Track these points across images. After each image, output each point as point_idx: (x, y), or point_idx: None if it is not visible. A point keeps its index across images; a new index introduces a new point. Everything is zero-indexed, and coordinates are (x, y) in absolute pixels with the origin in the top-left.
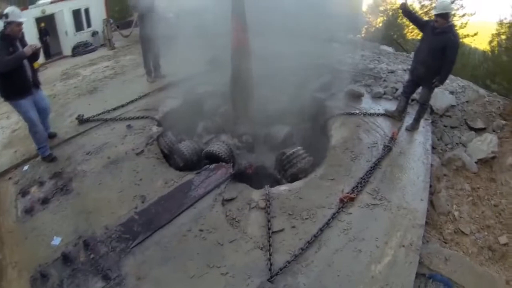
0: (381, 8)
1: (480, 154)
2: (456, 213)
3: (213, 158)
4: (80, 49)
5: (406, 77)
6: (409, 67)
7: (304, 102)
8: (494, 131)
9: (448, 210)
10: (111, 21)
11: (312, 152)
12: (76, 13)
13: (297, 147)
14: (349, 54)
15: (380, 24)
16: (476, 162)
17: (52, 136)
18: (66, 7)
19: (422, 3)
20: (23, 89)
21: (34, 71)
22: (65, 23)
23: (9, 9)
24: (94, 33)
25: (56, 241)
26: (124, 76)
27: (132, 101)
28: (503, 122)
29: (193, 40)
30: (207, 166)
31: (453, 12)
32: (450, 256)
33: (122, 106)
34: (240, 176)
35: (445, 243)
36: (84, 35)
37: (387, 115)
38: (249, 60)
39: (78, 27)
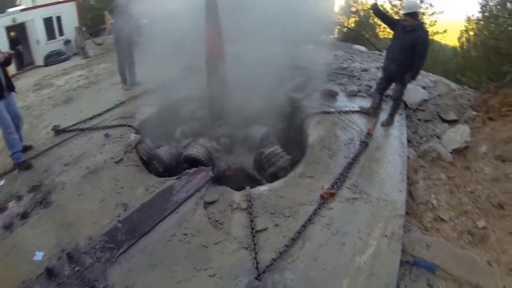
0: (353, 9)
1: (454, 144)
2: (434, 202)
3: (192, 162)
4: (52, 58)
5: (379, 74)
6: (382, 65)
7: (280, 103)
8: (466, 122)
9: (426, 200)
10: (84, 29)
11: (290, 151)
12: (47, 22)
13: (274, 146)
14: (322, 54)
15: (353, 25)
16: (451, 153)
17: (27, 149)
18: (37, 15)
19: (393, 3)
20: None
21: (7, 76)
22: (36, 31)
23: None
24: (67, 42)
25: (39, 256)
26: (99, 85)
27: (108, 110)
28: (474, 113)
29: (168, 47)
30: (187, 170)
31: (421, 11)
32: (431, 243)
33: (99, 115)
34: (220, 179)
35: (426, 230)
36: (57, 44)
37: (362, 112)
38: (223, 64)
39: (50, 35)
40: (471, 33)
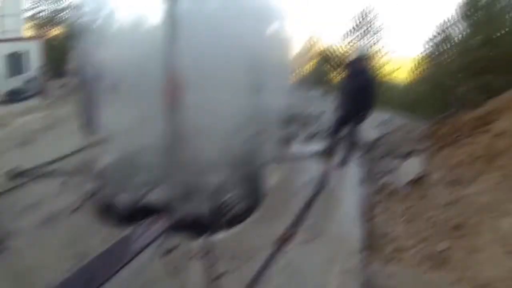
0: (309, 54)
1: (409, 176)
2: (393, 233)
3: (149, 210)
4: (13, 97)
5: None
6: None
7: (236, 150)
8: (419, 154)
9: (386, 232)
10: (48, 69)
11: (247, 197)
12: (11, 58)
13: (231, 193)
14: (278, 100)
15: (309, 70)
16: (406, 185)
17: None
18: (1, 50)
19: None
20: None
21: None
22: None
23: None
24: (29, 80)
25: None
26: (60, 129)
27: (68, 156)
28: (426, 144)
29: (129, 93)
30: (145, 219)
31: (371, 53)
32: (393, 273)
33: (57, 160)
34: (179, 227)
35: (388, 262)
36: (18, 82)
37: (318, 155)
38: (181, 112)
39: (12, 72)
40: (419, 70)
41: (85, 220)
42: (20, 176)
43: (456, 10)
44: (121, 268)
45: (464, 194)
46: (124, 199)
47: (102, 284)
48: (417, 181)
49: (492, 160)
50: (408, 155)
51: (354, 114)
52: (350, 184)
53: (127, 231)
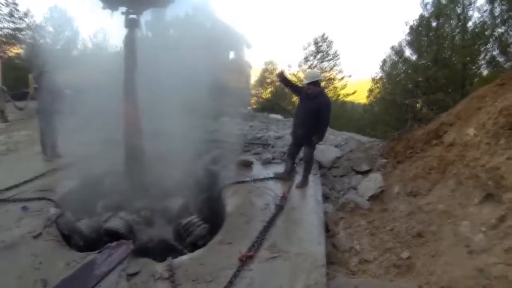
0: (268, 80)
1: (369, 192)
2: (357, 247)
3: (112, 235)
4: None
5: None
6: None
7: (197, 175)
8: (378, 170)
9: (350, 246)
10: (5, 89)
11: (209, 221)
12: None
13: (191, 216)
14: (238, 126)
15: (269, 95)
16: (368, 200)
17: None
18: None
19: (295, 74)
20: None
21: None
22: None
23: None
24: None
25: None
26: (18, 153)
27: (27, 181)
28: (384, 160)
29: (90, 119)
30: (108, 244)
31: (325, 77)
32: (358, 283)
33: (16, 186)
34: (142, 251)
35: (353, 274)
36: None
37: (277, 178)
38: (141, 137)
39: None
40: (376, 91)
41: (47, 245)
42: None
43: (407, 32)
44: None
45: (423, 204)
46: (86, 223)
47: None
48: (377, 196)
49: (445, 169)
50: (368, 172)
51: (308, 136)
52: (311, 203)
53: (91, 256)
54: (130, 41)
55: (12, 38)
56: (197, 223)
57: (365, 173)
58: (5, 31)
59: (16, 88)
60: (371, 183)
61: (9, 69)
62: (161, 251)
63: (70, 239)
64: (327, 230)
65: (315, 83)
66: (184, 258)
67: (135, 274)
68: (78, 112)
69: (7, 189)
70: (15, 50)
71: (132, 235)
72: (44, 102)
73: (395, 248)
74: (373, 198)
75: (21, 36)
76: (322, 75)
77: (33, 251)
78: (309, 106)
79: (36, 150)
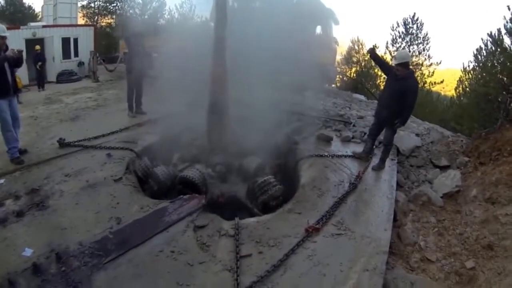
0: (354, 59)
1: (445, 189)
2: (422, 243)
3: (187, 184)
4: (64, 77)
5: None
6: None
7: (276, 141)
8: (458, 167)
9: (414, 241)
10: (97, 54)
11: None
12: (65, 41)
13: (268, 176)
14: (321, 102)
15: (354, 74)
16: (441, 197)
17: (22, 152)
18: (57, 34)
19: (393, 55)
20: (3, 91)
21: (14, 79)
22: (54, 49)
23: None
24: (80, 64)
25: (28, 252)
26: (106, 109)
27: (112, 132)
28: (466, 158)
29: (175, 82)
30: (181, 196)
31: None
32: (416, 281)
33: (103, 135)
34: (212, 205)
35: (412, 270)
36: (70, 64)
37: (355, 156)
38: (226, 93)
39: (66, 55)
40: (466, 83)
41: (125, 189)
42: (69, 146)
43: (509, 18)
44: (154, 235)
45: (500, 214)
46: (162, 170)
47: (134, 247)
48: (452, 195)
49: None
50: (446, 167)
51: (391, 119)
52: (382, 188)
53: (163, 204)
54: (220, 7)
55: (103, 10)
56: (273, 183)
57: (443, 168)
58: (98, 3)
59: (107, 52)
60: (448, 180)
61: (101, 36)
62: (230, 207)
63: (146, 183)
64: (394, 218)
65: (405, 65)
66: (251, 220)
67: (202, 227)
68: (164, 75)
69: (95, 137)
70: (107, 20)
71: (205, 187)
72: (133, 64)
73: (461, 255)
74: (447, 196)
75: (111, 7)
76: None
77: (112, 192)
78: (396, 88)
79: (122, 107)
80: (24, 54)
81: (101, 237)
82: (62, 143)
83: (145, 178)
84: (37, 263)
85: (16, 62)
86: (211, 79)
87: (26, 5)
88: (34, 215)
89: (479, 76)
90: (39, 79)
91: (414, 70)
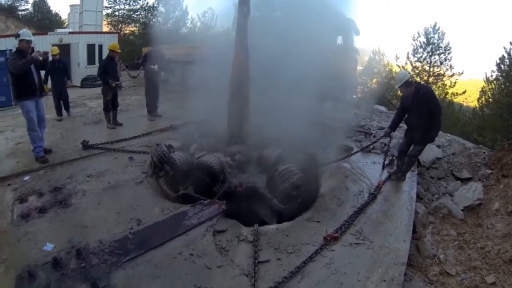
0: (375, 70)
1: (466, 202)
2: (441, 256)
3: (204, 170)
4: (89, 82)
5: (396, 134)
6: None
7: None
8: (480, 180)
9: (433, 254)
10: (121, 60)
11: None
12: (90, 48)
13: (287, 165)
14: (342, 112)
15: (375, 85)
16: (462, 210)
17: (46, 151)
18: (82, 40)
19: (414, 65)
20: (29, 91)
21: (41, 80)
22: (79, 55)
23: (21, 31)
24: None
25: (49, 247)
26: (129, 114)
27: (135, 137)
28: (489, 171)
29: (198, 90)
30: (202, 201)
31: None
32: None
33: (125, 139)
34: (230, 194)
35: (430, 283)
36: (95, 70)
37: (391, 178)
38: (247, 87)
39: (90, 61)
40: (489, 93)
41: (147, 192)
42: (92, 148)
43: None
44: (173, 237)
45: None
46: (179, 155)
47: (153, 248)
48: (474, 208)
49: None
50: (468, 179)
51: (424, 135)
52: (404, 199)
53: (184, 208)
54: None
55: (127, 18)
56: (294, 171)
57: (464, 180)
58: (122, 12)
59: (130, 59)
60: (470, 192)
61: (125, 43)
62: (248, 198)
63: (161, 169)
64: (414, 230)
65: (407, 84)
66: (270, 226)
67: (221, 232)
68: (185, 82)
69: (118, 141)
70: (130, 28)
71: (223, 175)
72: (151, 72)
73: (482, 269)
74: (468, 209)
75: (135, 16)
76: (431, 69)
77: (133, 194)
78: (417, 103)
79: (143, 112)
80: (49, 56)
81: (121, 237)
82: (86, 145)
83: (160, 164)
84: (58, 258)
85: (41, 64)
86: (234, 65)
87: (53, 12)
88: (56, 212)
89: (502, 86)
90: (59, 102)
91: (435, 80)
